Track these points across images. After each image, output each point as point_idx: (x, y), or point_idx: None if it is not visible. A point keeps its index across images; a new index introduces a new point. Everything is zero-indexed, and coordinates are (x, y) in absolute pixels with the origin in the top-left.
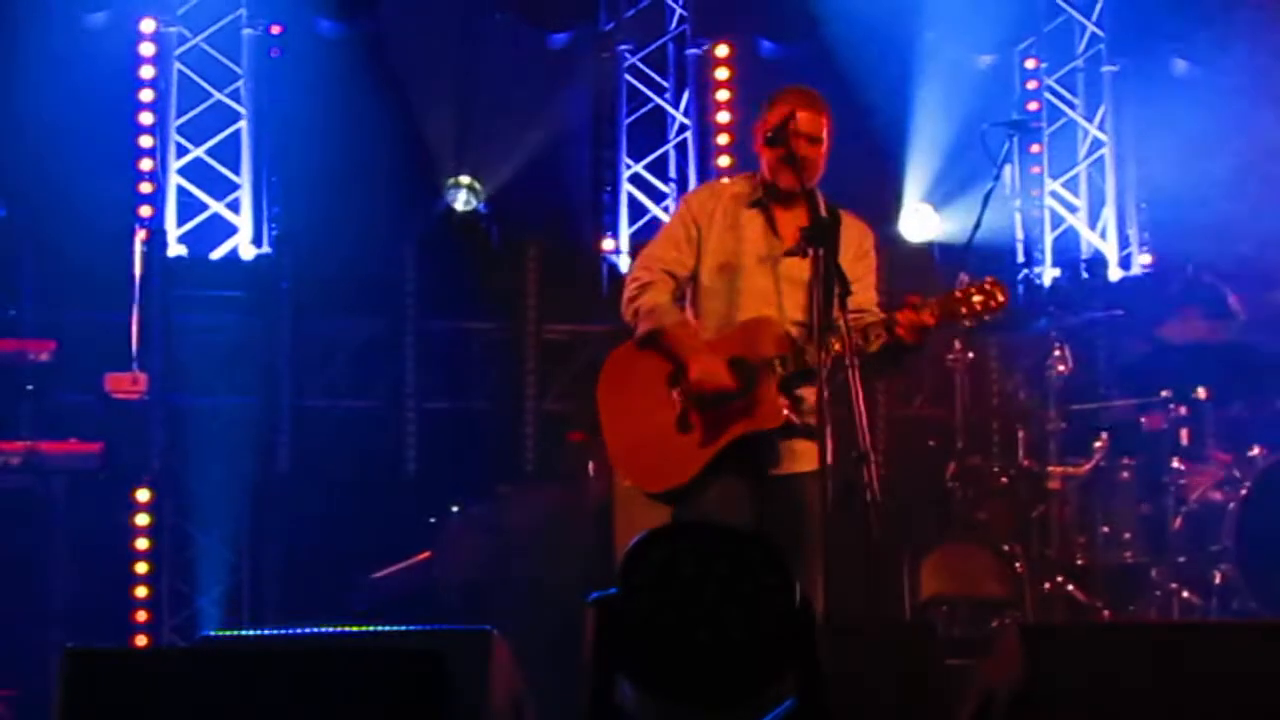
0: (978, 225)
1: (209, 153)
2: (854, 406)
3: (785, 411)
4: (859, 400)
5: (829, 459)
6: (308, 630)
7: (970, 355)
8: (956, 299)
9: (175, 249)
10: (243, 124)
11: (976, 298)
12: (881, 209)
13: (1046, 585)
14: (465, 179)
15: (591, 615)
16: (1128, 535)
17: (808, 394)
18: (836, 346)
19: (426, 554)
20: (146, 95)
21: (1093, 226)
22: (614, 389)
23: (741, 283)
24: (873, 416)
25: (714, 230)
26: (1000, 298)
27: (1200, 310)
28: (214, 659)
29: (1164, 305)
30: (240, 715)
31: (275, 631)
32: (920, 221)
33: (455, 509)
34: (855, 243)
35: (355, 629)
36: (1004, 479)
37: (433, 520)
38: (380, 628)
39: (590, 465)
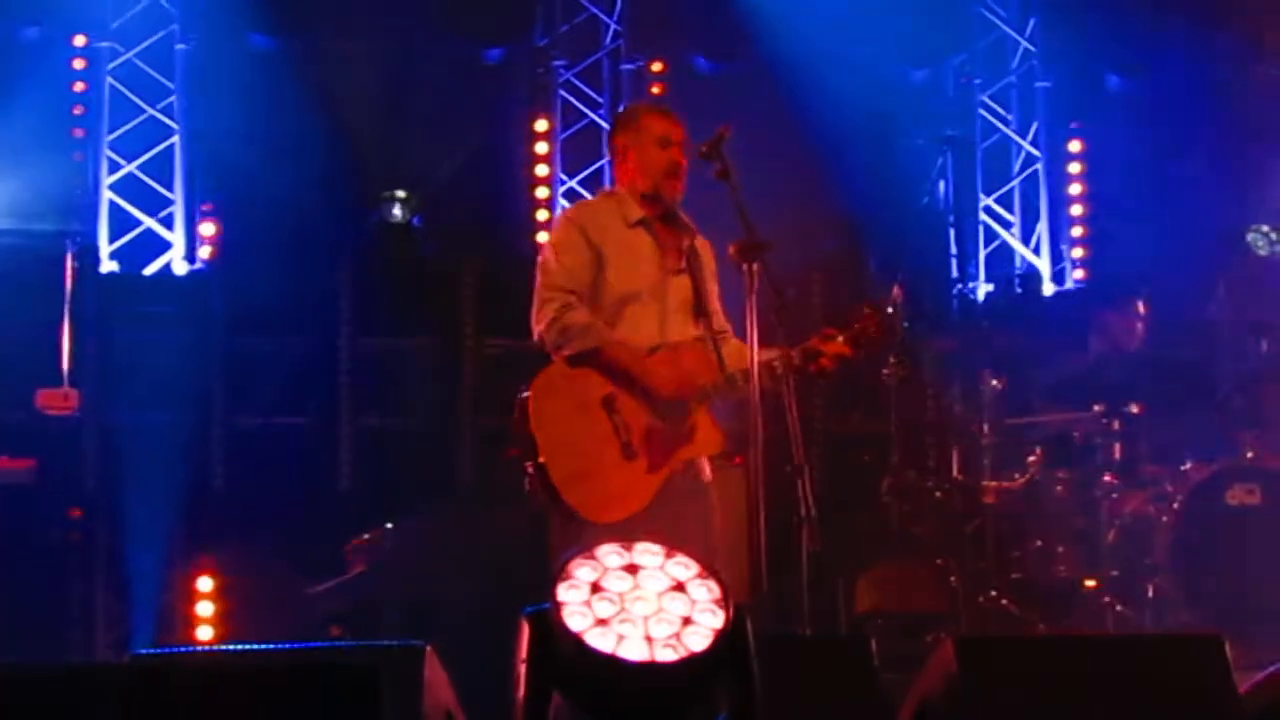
0: (911, 240)
1: (141, 168)
2: (788, 421)
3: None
4: (794, 415)
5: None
6: (241, 647)
7: (905, 370)
8: (857, 328)
9: (108, 265)
10: (175, 139)
11: (857, 325)
12: (811, 225)
13: (981, 599)
14: (399, 192)
15: (525, 629)
16: (1061, 549)
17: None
18: (775, 366)
19: (360, 569)
20: (78, 110)
21: (1026, 242)
22: (550, 413)
23: (656, 300)
24: (809, 431)
25: (609, 248)
26: (876, 324)
27: (1115, 319)
28: (146, 676)
29: (1095, 319)
30: None
31: (208, 649)
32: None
33: (390, 526)
34: (709, 262)
35: (288, 645)
36: (939, 493)
37: (366, 537)
38: (314, 644)
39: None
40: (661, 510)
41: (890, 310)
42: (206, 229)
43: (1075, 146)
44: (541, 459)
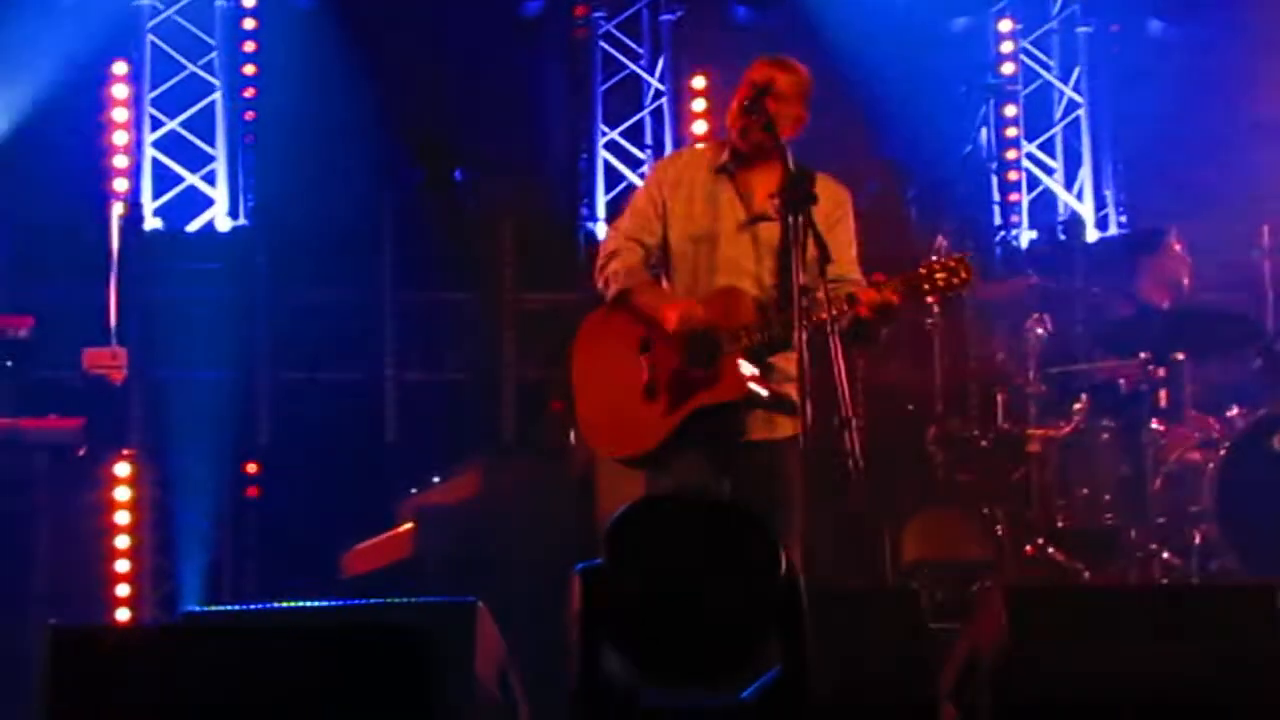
0: (954, 188)
1: (183, 125)
2: (835, 373)
3: (750, 384)
4: (840, 367)
5: (809, 425)
6: (291, 605)
7: (948, 319)
8: (920, 275)
9: (151, 222)
10: (217, 96)
11: (940, 274)
12: (855, 173)
13: (1027, 548)
14: (441, 148)
15: (577, 586)
16: (1107, 497)
17: (783, 362)
18: (822, 315)
19: (408, 526)
20: (120, 68)
21: (1069, 188)
22: (586, 355)
23: (715, 252)
24: (852, 382)
25: (680, 199)
26: (964, 274)
27: (1156, 263)
28: (197, 635)
29: (1138, 266)
30: (224, 692)
31: (258, 606)
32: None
33: (435, 480)
34: (828, 209)
35: (339, 603)
36: (983, 442)
37: (413, 491)
38: (364, 601)
39: (571, 434)
40: (681, 455)
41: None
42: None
43: (1114, 91)
44: (574, 398)
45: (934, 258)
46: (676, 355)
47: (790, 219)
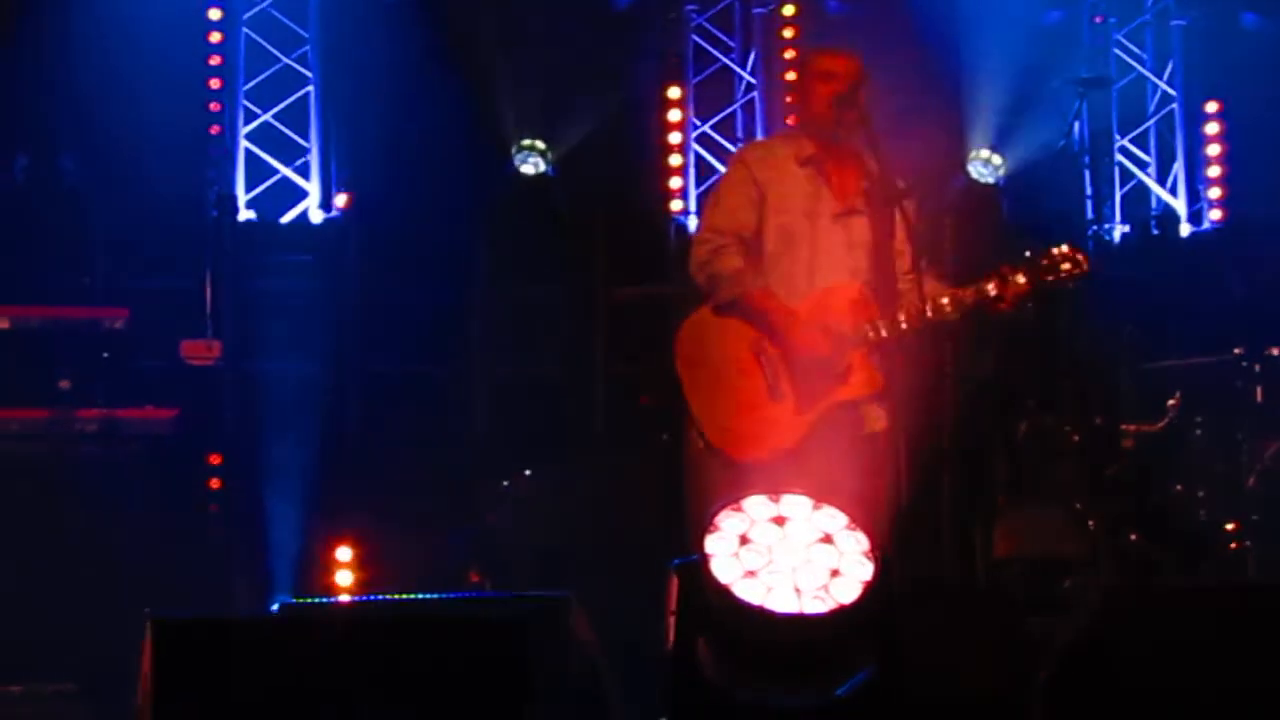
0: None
1: (277, 117)
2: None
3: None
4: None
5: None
6: (385, 597)
7: (1041, 313)
8: (1044, 266)
9: (245, 214)
10: (310, 88)
11: (1065, 265)
12: (942, 169)
13: (1120, 544)
14: (533, 143)
15: (673, 581)
16: (1201, 494)
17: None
18: (928, 313)
19: (495, 517)
20: (215, 60)
21: (1162, 183)
22: (695, 356)
23: (812, 245)
24: (940, 376)
25: (774, 191)
26: (1084, 265)
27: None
28: (297, 627)
29: (1234, 262)
30: (323, 683)
31: (355, 599)
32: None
33: (527, 473)
34: (914, 203)
35: (434, 596)
36: (1076, 438)
37: (505, 484)
38: (459, 594)
39: (663, 430)
40: (813, 454)
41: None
42: (340, 200)
43: (1212, 85)
44: (687, 398)
45: (1051, 248)
46: (794, 355)
47: (880, 212)
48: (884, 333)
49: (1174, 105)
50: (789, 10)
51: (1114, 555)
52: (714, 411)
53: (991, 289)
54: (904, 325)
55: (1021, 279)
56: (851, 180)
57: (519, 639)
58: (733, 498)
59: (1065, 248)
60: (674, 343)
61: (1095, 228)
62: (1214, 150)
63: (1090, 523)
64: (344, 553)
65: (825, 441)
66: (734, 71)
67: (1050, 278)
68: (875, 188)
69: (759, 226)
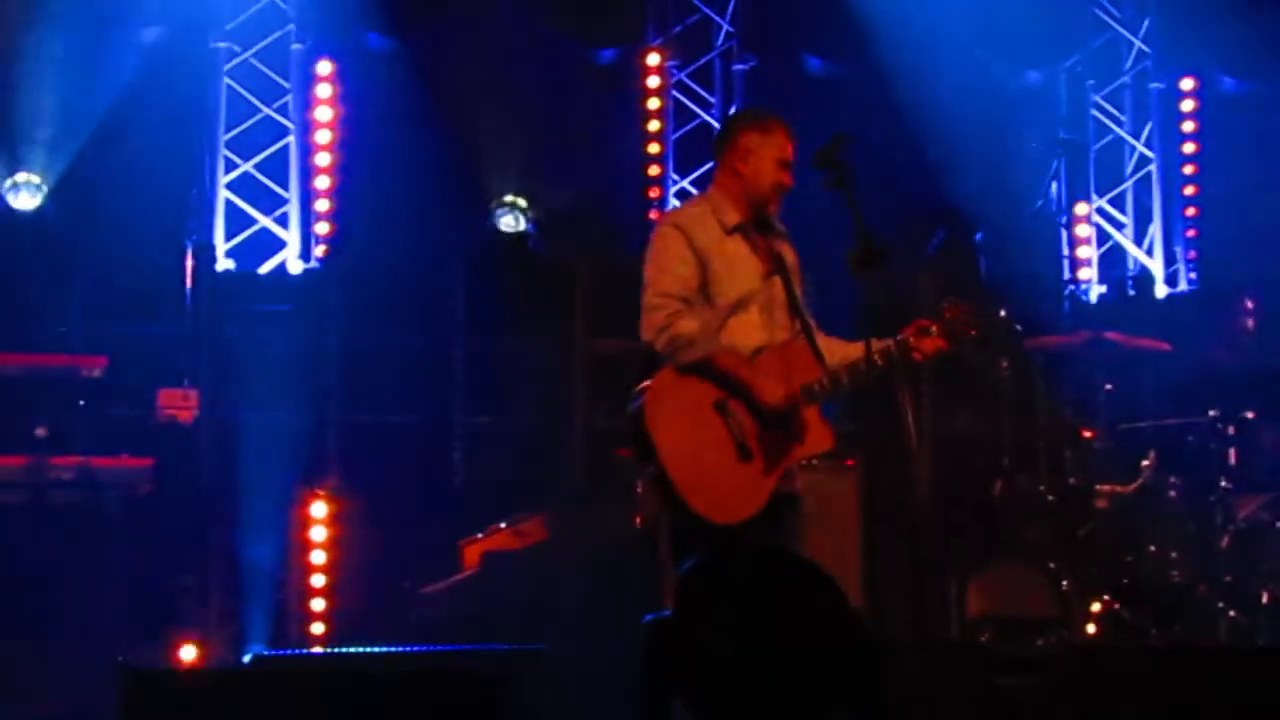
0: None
1: (257, 167)
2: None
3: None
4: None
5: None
6: (360, 649)
7: (1015, 373)
8: (948, 320)
9: (224, 263)
10: (291, 139)
11: (948, 315)
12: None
13: (1093, 604)
14: (513, 199)
15: (645, 637)
16: (1175, 555)
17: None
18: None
19: (473, 570)
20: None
21: (1139, 243)
22: (665, 418)
23: (747, 310)
24: (919, 436)
25: (713, 253)
26: (971, 326)
27: (1225, 319)
28: (268, 678)
29: (1209, 325)
30: None
31: (327, 651)
32: None
33: (503, 525)
34: (794, 261)
35: (408, 648)
36: (1051, 497)
37: (478, 536)
38: (432, 647)
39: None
40: (776, 510)
41: (976, 308)
42: (321, 228)
43: (1189, 148)
44: (662, 461)
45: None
46: (758, 413)
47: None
48: (829, 387)
49: (1151, 167)
50: (770, 68)
51: (1087, 616)
52: (689, 474)
53: (910, 342)
54: (844, 381)
55: (934, 333)
56: (765, 244)
57: (494, 693)
58: (708, 553)
59: (957, 307)
60: (641, 407)
61: (1072, 288)
62: (1190, 212)
63: (1064, 583)
64: (319, 603)
65: (785, 502)
66: (712, 127)
67: (955, 327)
68: (784, 252)
69: (703, 289)
